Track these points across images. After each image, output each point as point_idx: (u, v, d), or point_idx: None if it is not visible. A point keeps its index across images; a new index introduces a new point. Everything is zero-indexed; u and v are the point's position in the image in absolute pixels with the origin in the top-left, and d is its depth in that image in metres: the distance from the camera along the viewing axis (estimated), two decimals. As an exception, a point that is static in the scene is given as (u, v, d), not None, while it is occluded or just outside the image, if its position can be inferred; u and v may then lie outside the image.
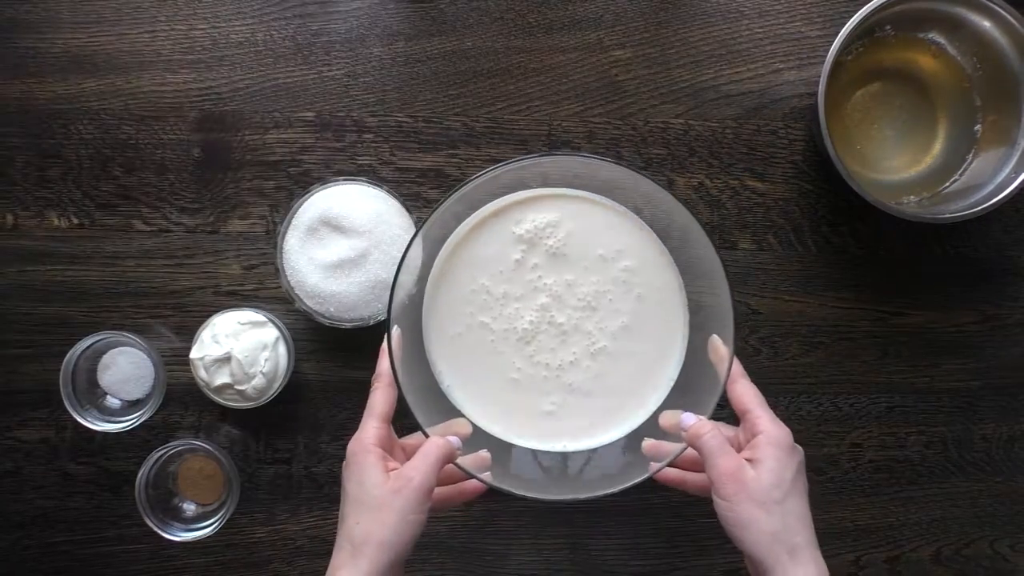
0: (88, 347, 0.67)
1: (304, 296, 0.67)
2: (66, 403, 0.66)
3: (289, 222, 0.67)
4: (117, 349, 0.70)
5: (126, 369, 0.69)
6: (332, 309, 0.67)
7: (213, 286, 0.70)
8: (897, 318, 0.73)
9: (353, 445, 0.54)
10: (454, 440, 0.56)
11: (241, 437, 0.71)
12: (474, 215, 0.67)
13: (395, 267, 0.60)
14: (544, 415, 0.67)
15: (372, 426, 0.55)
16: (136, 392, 0.70)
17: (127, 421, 0.67)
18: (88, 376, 0.69)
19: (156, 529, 0.66)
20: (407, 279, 0.64)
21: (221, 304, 0.70)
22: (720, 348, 0.59)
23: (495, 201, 0.67)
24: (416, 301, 0.68)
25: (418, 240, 0.64)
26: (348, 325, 0.68)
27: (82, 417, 0.67)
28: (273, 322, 0.67)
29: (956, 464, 0.73)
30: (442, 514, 0.71)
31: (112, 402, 0.70)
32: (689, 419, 0.57)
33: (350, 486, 0.53)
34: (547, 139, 0.71)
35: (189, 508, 0.70)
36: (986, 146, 0.69)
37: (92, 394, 0.69)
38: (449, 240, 0.67)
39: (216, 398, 0.67)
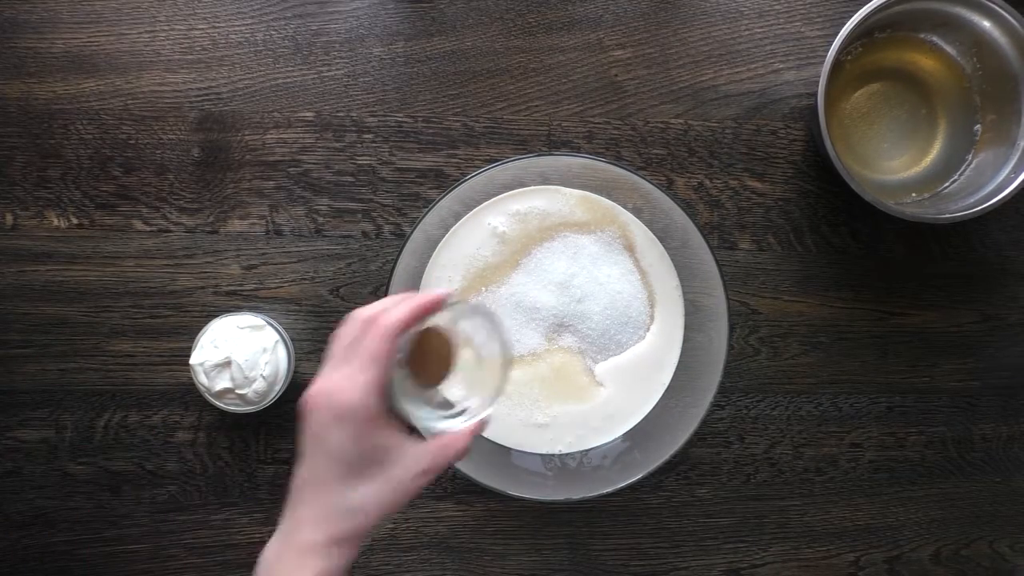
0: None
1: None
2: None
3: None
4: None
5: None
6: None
7: (213, 286, 0.70)
8: (897, 318, 0.73)
9: None
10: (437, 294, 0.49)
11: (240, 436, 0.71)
12: (468, 214, 0.67)
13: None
14: (537, 427, 0.67)
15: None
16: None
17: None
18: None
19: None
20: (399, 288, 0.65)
21: (221, 304, 0.70)
22: None
23: (488, 200, 0.67)
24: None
25: (409, 248, 0.64)
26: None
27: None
28: (272, 325, 0.67)
29: (956, 464, 0.73)
30: (443, 513, 0.71)
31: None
32: None
33: None
34: (547, 139, 0.71)
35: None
36: (986, 146, 0.69)
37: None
38: (442, 240, 0.68)
39: (217, 403, 0.67)
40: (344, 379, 0.45)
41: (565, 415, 0.67)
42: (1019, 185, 0.65)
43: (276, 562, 0.46)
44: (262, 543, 0.70)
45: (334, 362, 0.47)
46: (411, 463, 0.47)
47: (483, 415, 0.50)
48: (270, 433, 0.71)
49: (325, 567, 0.45)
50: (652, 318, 0.68)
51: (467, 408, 0.50)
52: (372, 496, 0.46)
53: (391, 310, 0.47)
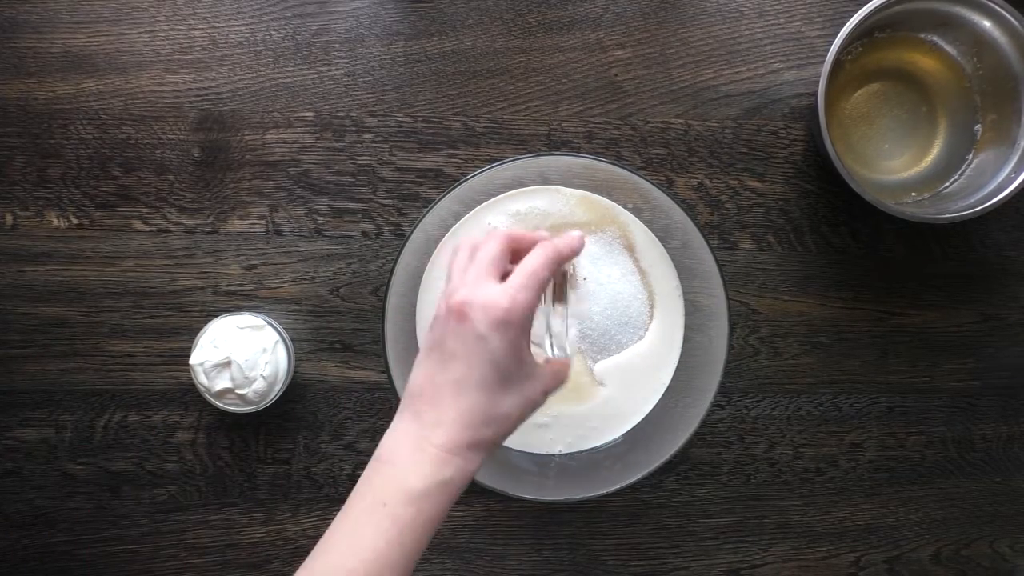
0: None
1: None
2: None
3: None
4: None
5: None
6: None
7: (213, 286, 0.70)
8: (897, 318, 0.73)
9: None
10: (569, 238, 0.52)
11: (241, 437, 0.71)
12: (468, 214, 0.67)
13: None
14: (537, 427, 0.67)
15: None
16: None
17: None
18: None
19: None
20: (400, 288, 0.65)
21: (220, 304, 0.70)
22: None
23: (487, 200, 0.67)
24: (412, 303, 0.68)
25: (409, 248, 0.64)
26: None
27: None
28: (272, 325, 0.67)
29: (956, 464, 0.73)
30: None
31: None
32: None
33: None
34: (547, 139, 0.71)
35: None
36: (986, 146, 0.69)
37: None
38: (442, 240, 0.68)
39: (217, 403, 0.66)
40: (507, 294, 0.47)
41: (565, 415, 0.67)
42: (1019, 185, 0.65)
43: (412, 455, 0.47)
44: (262, 543, 0.71)
45: (480, 274, 0.48)
46: (539, 382, 0.49)
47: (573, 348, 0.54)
48: (270, 433, 0.71)
49: (465, 467, 0.47)
50: (652, 318, 0.68)
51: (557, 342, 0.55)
52: (516, 407, 0.48)
53: (560, 243, 0.50)
